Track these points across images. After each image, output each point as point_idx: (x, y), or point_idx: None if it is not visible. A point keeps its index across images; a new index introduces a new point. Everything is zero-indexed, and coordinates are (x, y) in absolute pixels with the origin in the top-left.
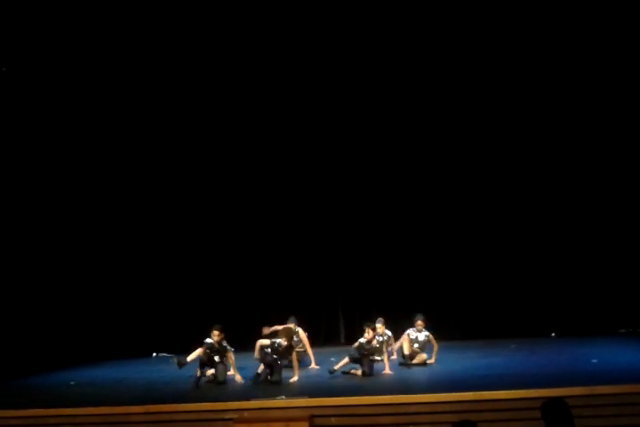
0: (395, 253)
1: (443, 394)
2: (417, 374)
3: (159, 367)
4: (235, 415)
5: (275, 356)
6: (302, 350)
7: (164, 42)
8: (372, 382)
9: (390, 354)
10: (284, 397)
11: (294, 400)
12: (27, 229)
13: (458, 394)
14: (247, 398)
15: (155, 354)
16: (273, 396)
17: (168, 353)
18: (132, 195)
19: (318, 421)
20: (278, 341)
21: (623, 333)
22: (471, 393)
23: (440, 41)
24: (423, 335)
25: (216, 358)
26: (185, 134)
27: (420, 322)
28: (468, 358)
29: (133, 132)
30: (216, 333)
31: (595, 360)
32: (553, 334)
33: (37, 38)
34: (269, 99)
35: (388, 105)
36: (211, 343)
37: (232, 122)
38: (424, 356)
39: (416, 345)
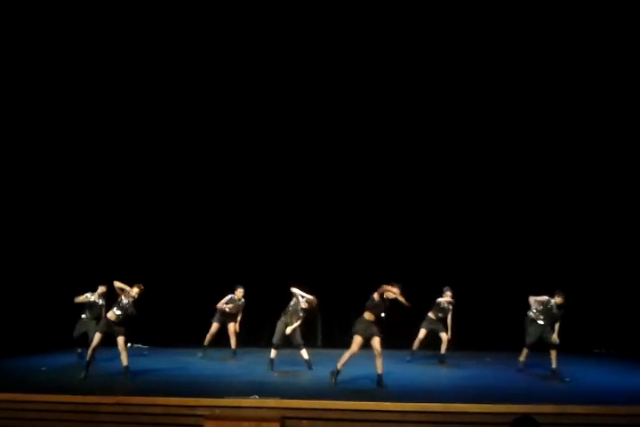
0: (375, 263)
1: (412, 404)
2: (391, 381)
3: (134, 359)
4: (206, 412)
5: None
6: None
7: (164, 43)
8: (345, 387)
9: None
10: (256, 396)
11: (266, 401)
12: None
13: (427, 404)
14: (220, 395)
15: (130, 345)
16: (246, 395)
17: (143, 344)
18: (115, 196)
19: (290, 423)
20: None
21: (597, 353)
22: (440, 404)
23: (440, 41)
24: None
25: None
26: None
27: (448, 293)
28: (442, 369)
29: (133, 129)
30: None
31: (567, 379)
32: None
33: (37, 38)
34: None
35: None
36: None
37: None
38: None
39: (440, 314)
